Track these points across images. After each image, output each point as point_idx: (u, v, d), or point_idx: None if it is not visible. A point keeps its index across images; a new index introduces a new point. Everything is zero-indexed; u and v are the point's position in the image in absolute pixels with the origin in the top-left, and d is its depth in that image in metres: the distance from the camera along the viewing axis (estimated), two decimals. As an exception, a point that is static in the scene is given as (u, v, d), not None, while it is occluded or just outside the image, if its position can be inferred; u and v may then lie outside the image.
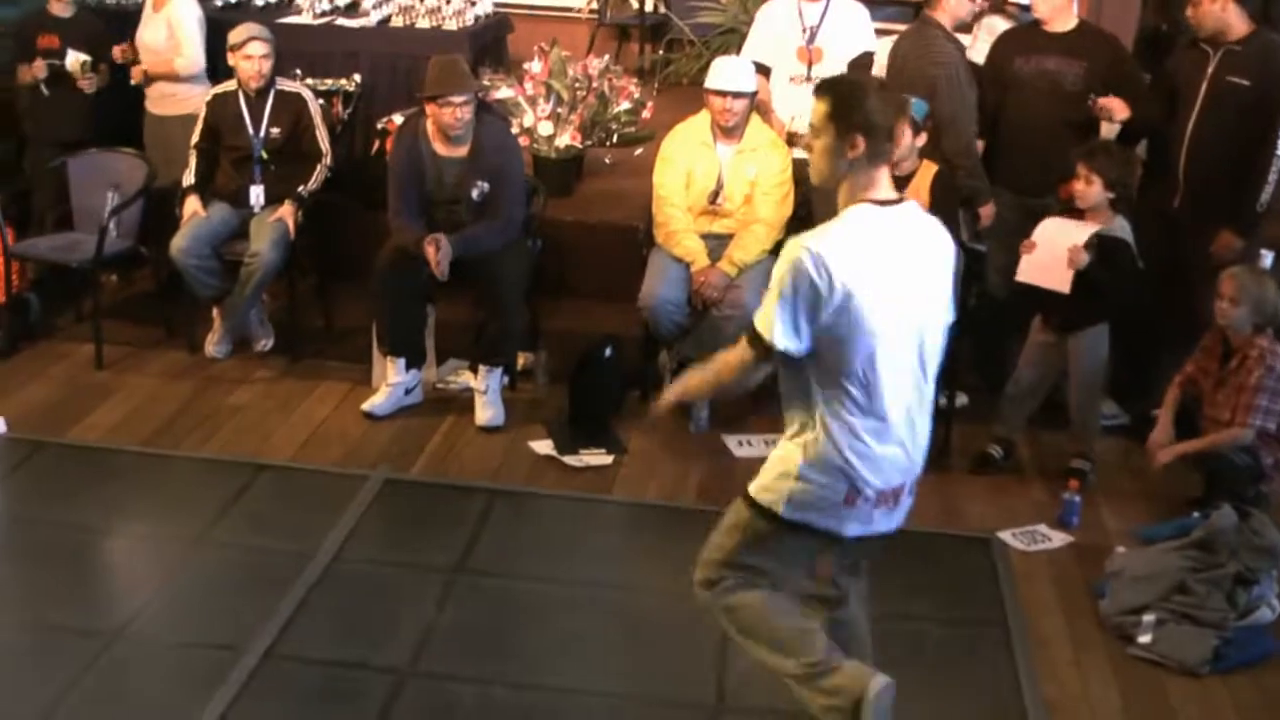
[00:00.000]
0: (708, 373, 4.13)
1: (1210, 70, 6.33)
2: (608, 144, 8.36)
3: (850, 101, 3.81)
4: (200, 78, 7.88)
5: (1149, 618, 5.09)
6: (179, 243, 7.02)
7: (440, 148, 6.62)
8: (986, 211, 6.77)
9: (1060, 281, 6.01)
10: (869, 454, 3.87)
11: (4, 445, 6.29)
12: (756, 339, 3.85)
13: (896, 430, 3.89)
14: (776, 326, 3.78)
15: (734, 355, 3.98)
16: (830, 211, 6.73)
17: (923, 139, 6.30)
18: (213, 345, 7.31)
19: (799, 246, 3.78)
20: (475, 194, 6.61)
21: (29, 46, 7.89)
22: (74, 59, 7.77)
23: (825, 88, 3.90)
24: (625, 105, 8.28)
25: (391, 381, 6.72)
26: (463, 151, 6.61)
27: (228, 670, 4.69)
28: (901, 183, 6.31)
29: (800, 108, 7.03)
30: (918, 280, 3.89)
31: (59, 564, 5.41)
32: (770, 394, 6.69)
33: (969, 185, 6.62)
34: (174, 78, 7.82)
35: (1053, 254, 6.05)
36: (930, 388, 4.01)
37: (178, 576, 5.37)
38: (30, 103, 8.01)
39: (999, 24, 7.48)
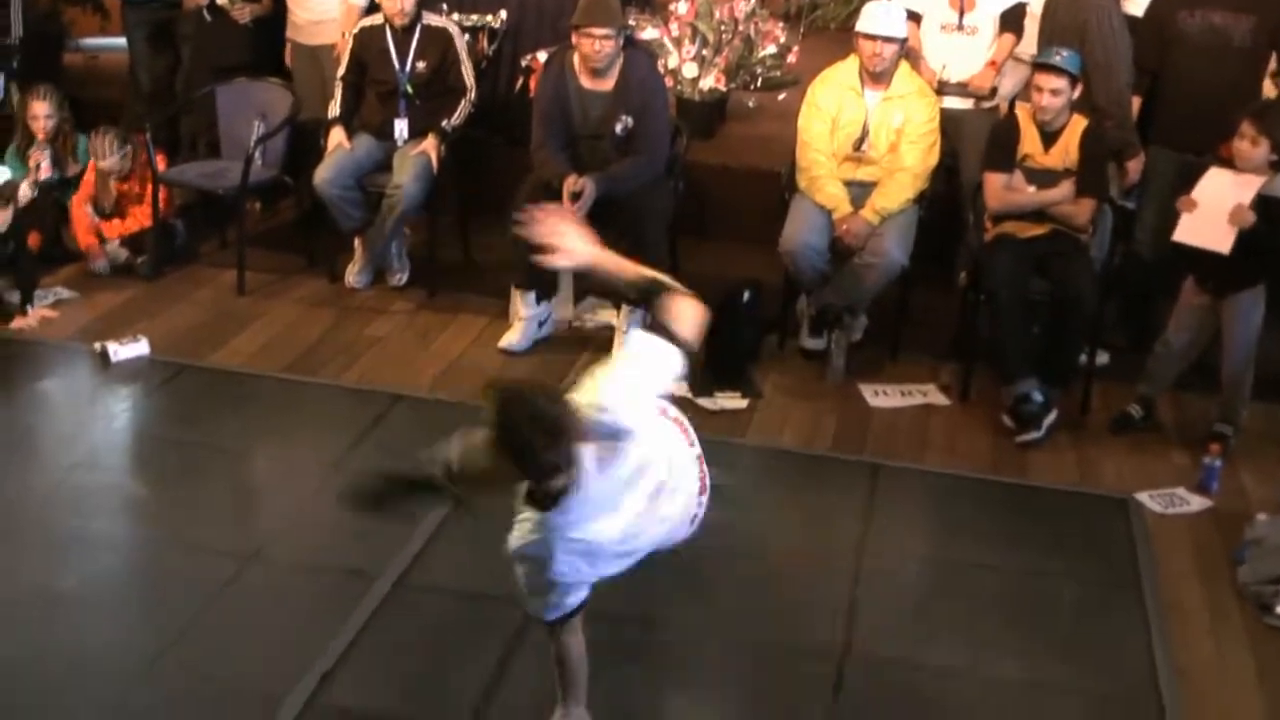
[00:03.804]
0: None
1: None
2: (752, 88, 8.34)
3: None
4: None
5: (1289, 588, 4.98)
6: (323, 173, 7.10)
7: (586, 81, 6.59)
8: (1134, 165, 6.61)
9: (1221, 241, 5.70)
10: None
11: (148, 366, 6.42)
12: None
13: None
14: None
15: None
16: (975, 164, 6.67)
17: (1079, 91, 6.17)
18: (353, 275, 7.39)
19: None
20: (619, 129, 6.58)
21: None
22: None
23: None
24: (770, 49, 8.25)
25: (523, 315, 6.73)
26: (608, 86, 6.58)
27: (360, 596, 4.76)
28: (1051, 137, 6.21)
29: (951, 56, 6.94)
30: None
31: (198, 484, 5.51)
32: (906, 344, 6.73)
33: (1117, 137, 6.47)
34: None
35: (1214, 212, 5.74)
36: None
37: (313, 501, 5.43)
38: (195, 28, 8.14)
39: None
